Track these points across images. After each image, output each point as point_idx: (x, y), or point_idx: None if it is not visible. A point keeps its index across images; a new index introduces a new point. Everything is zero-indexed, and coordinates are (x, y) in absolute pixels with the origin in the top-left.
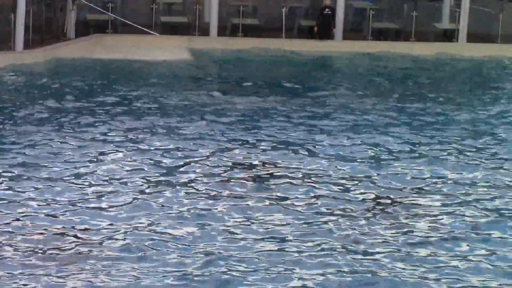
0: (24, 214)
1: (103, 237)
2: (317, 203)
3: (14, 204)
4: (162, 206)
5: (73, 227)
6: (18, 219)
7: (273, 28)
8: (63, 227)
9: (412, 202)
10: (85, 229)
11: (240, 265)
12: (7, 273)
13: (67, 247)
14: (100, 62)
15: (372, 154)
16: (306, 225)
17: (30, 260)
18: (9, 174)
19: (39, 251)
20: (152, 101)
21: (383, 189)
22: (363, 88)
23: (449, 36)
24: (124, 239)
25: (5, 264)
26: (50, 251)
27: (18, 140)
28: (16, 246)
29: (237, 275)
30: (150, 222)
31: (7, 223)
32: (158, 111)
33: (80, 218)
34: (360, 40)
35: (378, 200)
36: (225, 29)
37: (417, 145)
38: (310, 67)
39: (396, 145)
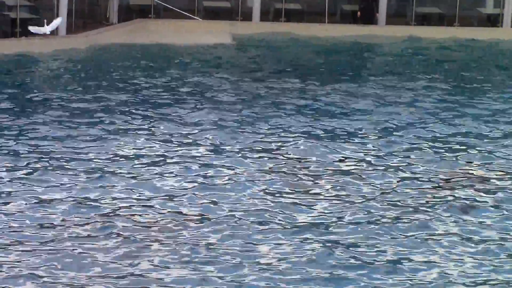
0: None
1: None
2: None
3: None
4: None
5: None
6: None
7: (315, 13)
8: None
9: None
10: None
11: None
12: None
13: None
14: (142, 47)
15: None
16: None
17: None
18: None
19: None
20: (195, 86)
21: None
22: None
23: (493, 21)
24: None
25: None
26: None
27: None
28: None
29: None
30: None
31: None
32: (203, 96)
33: None
34: (404, 25)
35: None
36: (267, 13)
37: None
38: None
39: None
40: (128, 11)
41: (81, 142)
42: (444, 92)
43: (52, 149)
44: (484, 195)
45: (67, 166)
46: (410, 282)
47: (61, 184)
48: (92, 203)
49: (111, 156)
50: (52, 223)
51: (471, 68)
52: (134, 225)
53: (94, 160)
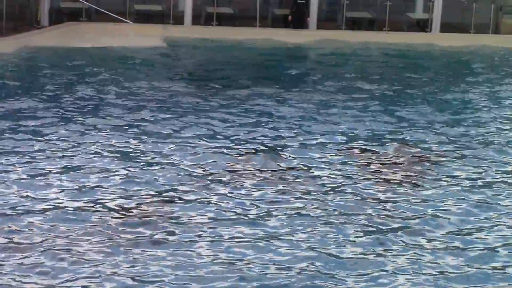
0: None
1: None
2: None
3: None
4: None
5: None
6: None
7: (247, 17)
8: None
9: None
10: None
11: None
12: None
13: None
14: (73, 50)
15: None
16: None
17: None
18: None
19: None
20: (126, 90)
21: None
22: None
23: (422, 26)
24: None
25: None
26: None
27: None
28: None
29: None
30: None
31: None
32: (134, 101)
33: None
34: (334, 30)
35: None
36: (199, 17)
37: None
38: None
39: None
40: (60, 14)
41: None
42: (366, 95)
43: None
44: None
45: None
46: None
47: None
48: None
49: None
50: None
51: (394, 72)
52: None
53: None
